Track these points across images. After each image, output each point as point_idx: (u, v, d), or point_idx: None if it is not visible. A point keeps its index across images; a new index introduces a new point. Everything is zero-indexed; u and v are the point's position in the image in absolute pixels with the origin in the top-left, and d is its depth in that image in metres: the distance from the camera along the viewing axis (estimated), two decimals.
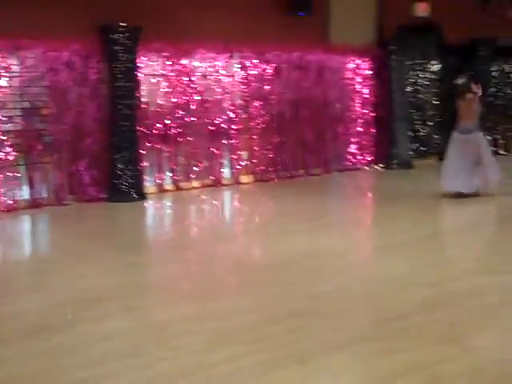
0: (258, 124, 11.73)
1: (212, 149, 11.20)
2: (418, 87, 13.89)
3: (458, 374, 3.68)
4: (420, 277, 5.62)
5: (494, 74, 15.06)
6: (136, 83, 10.05)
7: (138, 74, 10.14)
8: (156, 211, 9.78)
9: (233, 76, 11.40)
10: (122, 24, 9.63)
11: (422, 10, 13.23)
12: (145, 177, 10.44)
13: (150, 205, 9.83)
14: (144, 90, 10.36)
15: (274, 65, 11.77)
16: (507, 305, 4.79)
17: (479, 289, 5.40)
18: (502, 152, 15.38)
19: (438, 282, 5.45)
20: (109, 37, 9.66)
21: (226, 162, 11.46)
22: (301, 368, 3.80)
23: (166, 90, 10.59)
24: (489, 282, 5.55)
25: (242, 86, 11.49)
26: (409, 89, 13.54)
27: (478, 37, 13.74)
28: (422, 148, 14.13)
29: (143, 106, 10.31)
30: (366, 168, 13.27)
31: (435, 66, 14.04)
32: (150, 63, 10.44)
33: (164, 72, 10.56)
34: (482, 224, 7.48)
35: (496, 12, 14.49)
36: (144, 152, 10.39)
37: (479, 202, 9.03)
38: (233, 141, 11.48)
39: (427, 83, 13.99)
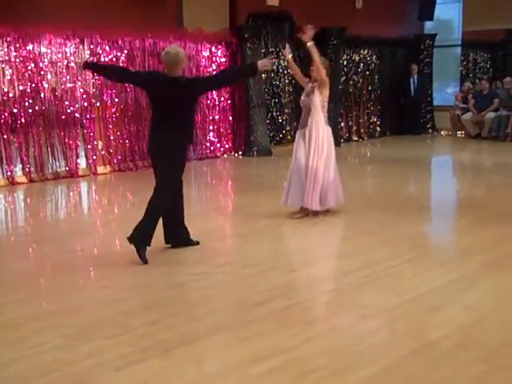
0: (114, 112, 11.42)
1: (66, 139, 10.78)
2: (273, 74, 14.12)
3: (319, 353, 3.78)
4: (279, 262, 5.73)
5: (344, 62, 15.64)
6: None
7: None
8: (7, 205, 9.25)
9: None
10: None
11: (272, 1, 13.35)
12: None
13: None
14: None
15: (127, 51, 11.49)
16: (364, 286, 4.98)
17: (335, 272, 5.61)
18: (355, 138, 16.09)
19: (296, 267, 5.59)
20: None
21: (81, 152, 11.07)
22: (163, 359, 3.73)
23: (12, 77, 10.02)
24: (343, 265, 5.74)
25: (94, 74, 11.11)
26: (264, 76, 13.72)
27: (327, 26, 14.14)
28: (279, 135, 14.41)
29: None
30: (225, 156, 13.34)
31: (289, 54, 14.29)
32: None
33: (7, 58, 9.96)
34: (340, 210, 7.69)
35: (345, 2, 15.08)
36: None
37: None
38: (87, 130, 11.11)
39: (282, 70, 14.26)
